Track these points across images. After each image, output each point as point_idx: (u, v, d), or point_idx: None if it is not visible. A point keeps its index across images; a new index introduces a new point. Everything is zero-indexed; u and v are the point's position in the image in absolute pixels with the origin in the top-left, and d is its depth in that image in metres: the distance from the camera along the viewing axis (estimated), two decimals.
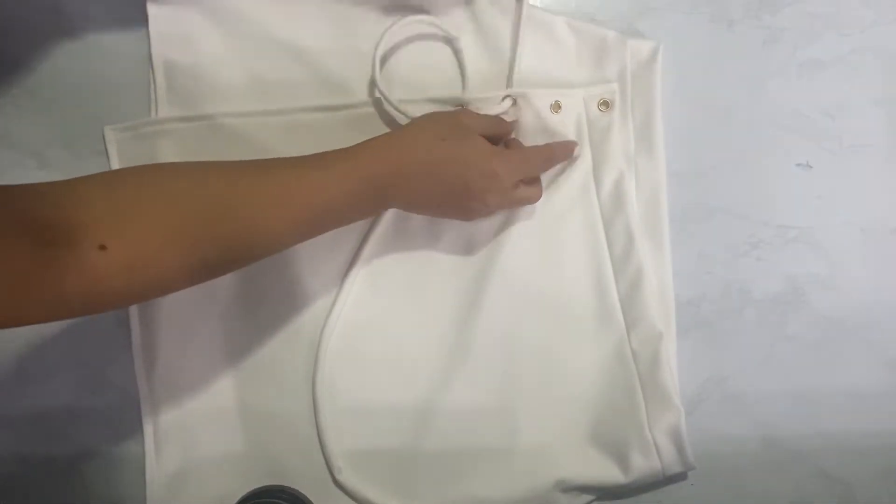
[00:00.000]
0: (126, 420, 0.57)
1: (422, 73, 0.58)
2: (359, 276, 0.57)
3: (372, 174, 0.47)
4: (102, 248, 0.39)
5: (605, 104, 0.57)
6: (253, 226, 0.44)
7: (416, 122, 0.51)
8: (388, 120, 0.57)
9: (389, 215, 0.56)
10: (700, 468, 0.56)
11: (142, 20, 0.57)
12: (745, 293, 0.59)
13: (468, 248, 0.57)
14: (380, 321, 0.57)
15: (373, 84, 0.56)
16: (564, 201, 0.57)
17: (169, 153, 0.57)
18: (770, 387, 0.58)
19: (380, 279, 0.57)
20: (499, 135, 0.55)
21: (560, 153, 0.56)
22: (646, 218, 0.57)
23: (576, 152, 0.56)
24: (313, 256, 0.56)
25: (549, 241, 0.57)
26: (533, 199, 0.54)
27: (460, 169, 0.49)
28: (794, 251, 0.59)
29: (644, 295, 0.56)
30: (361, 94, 0.57)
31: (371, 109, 0.57)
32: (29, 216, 0.38)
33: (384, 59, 0.57)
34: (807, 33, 0.59)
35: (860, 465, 0.58)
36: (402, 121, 0.56)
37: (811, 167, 0.59)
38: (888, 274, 0.59)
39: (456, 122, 0.51)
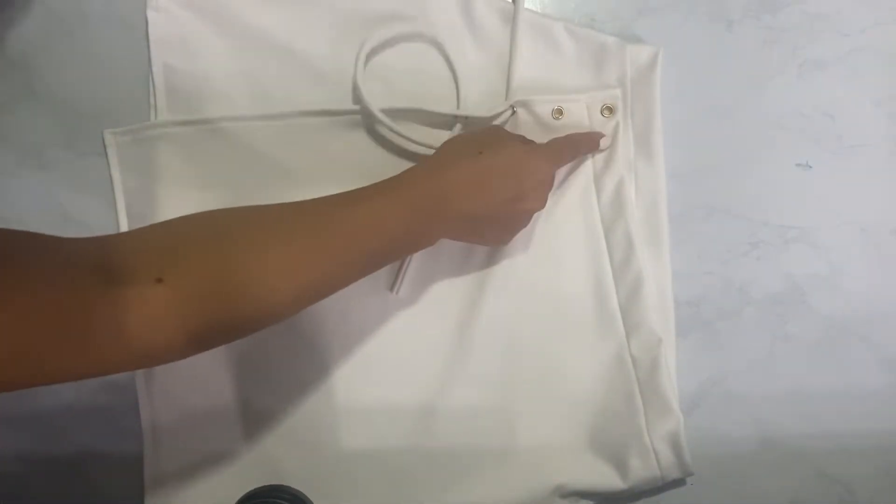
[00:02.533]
0: (126, 420, 0.57)
1: (420, 86, 0.58)
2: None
3: (416, 204, 0.47)
4: (159, 280, 0.39)
5: (609, 110, 0.57)
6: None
7: (451, 142, 0.51)
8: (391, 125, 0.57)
9: None
10: (699, 468, 0.56)
11: (142, 23, 0.57)
12: (745, 293, 0.59)
13: (468, 253, 0.57)
14: (380, 322, 0.57)
15: (374, 91, 0.56)
16: (565, 206, 0.57)
17: (168, 157, 0.57)
18: (770, 387, 0.58)
19: (379, 280, 0.57)
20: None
21: (585, 144, 0.56)
22: (646, 223, 0.57)
23: (603, 144, 0.56)
24: None
25: (549, 247, 0.57)
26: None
27: (505, 175, 0.49)
28: (794, 251, 0.59)
29: (644, 301, 0.56)
30: (363, 101, 0.57)
31: (373, 113, 0.57)
32: (85, 260, 0.39)
33: (383, 74, 0.57)
34: (807, 33, 0.59)
35: (860, 465, 0.58)
36: (388, 133, 0.57)
37: (811, 167, 0.59)
38: (888, 274, 0.59)
39: (493, 130, 0.52)
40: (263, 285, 0.42)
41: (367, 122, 0.57)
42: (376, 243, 0.46)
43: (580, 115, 0.56)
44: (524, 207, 0.51)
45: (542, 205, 0.52)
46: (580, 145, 0.56)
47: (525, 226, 0.53)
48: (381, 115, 0.54)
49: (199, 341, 0.42)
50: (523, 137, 0.53)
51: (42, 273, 0.37)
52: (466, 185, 0.48)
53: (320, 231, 0.44)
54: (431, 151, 0.57)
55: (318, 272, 0.44)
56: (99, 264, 0.39)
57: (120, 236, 0.42)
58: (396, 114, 0.56)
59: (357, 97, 0.56)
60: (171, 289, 0.39)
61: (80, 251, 0.40)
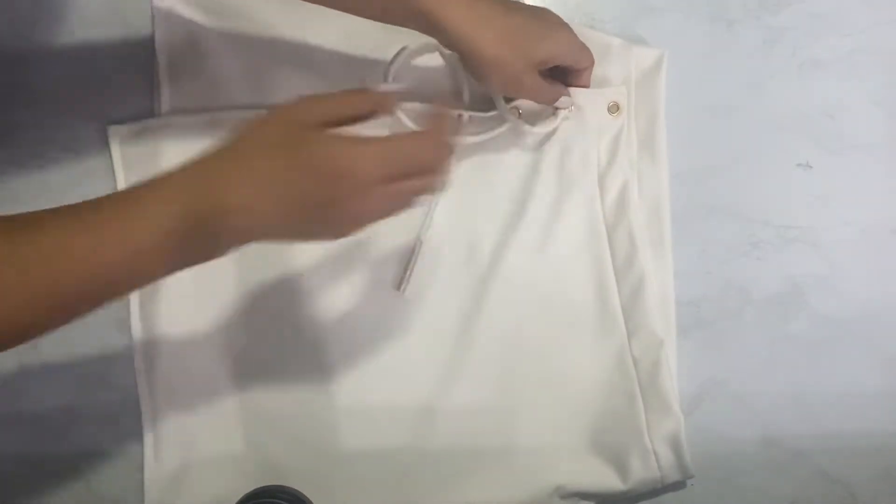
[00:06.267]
0: (126, 420, 0.57)
1: (427, 87, 0.57)
2: (361, 275, 0.57)
3: (188, 212, 0.37)
4: None
5: (616, 107, 0.57)
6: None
7: (245, 129, 0.40)
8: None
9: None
10: (700, 468, 0.56)
11: (144, 20, 0.57)
12: (745, 293, 0.58)
13: (470, 253, 0.57)
14: (381, 322, 0.57)
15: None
16: (569, 207, 0.57)
17: (171, 151, 0.56)
18: (770, 387, 0.58)
19: (381, 280, 0.57)
20: (359, 114, 0.42)
21: (430, 157, 0.42)
22: (648, 224, 0.57)
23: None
24: (313, 255, 0.56)
25: (551, 247, 0.57)
26: (422, 191, 0.42)
27: (301, 177, 0.38)
28: (794, 251, 0.59)
29: (646, 302, 0.56)
30: None
31: None
32: None
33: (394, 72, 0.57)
34: (807, 33, 0.59)
35: (860, 465, 0.58)
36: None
37: (811, 167, 0.59)
38: (888, 274, 0.59)
39: (291, 118, 0.40)
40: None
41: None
42: (125, 265, 0.37)
43: (585, 113, 0.56)
44: (333, 220, 0.40)
45: (362, 220, 0.41)
46: (422, 157, 0.42)
47: (353, 232, 0.41)
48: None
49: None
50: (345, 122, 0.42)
51: None
52: (253, 192, 0.38)
53: (35, 263, 0.36)
54: None
55: (26, 310, 0.36)
56: None
57: None
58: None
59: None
60: None
61: None
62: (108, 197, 0.38)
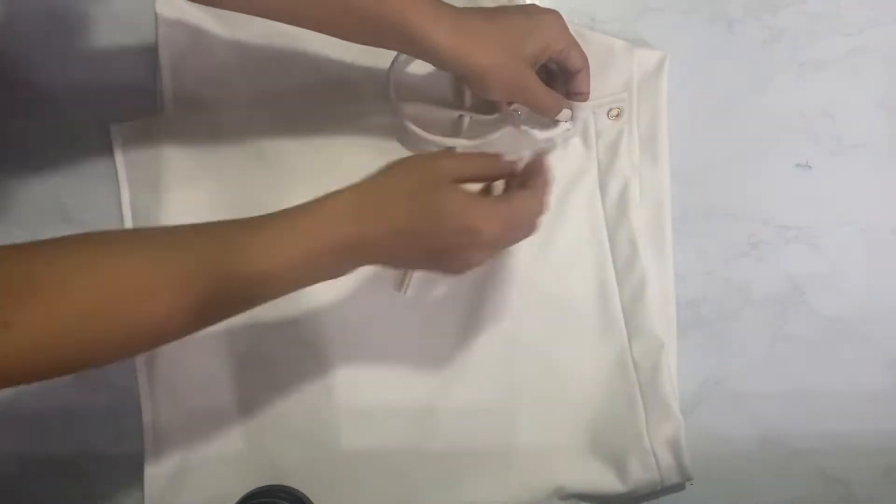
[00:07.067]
0: (126, 420, 0.57)
1: (429, 89, 0.57)
2: (361, 275, 0.57)
3: (334, 240, 0.43)
4: (6, 325, 0.36)
5: (617, 112, 0.57)
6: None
7: (386, 173, 0.45)
8: (395, 123, 0.57)
9: None
10: (699, 468, 0.56)
11: (147, 20, 0.57)
12: (745, 293, 0.59)
13: None
14: (381, 322, 0.57)
15: (379, 88, 0.56)
16: (570, 209, 0.57)
17: (173, 151, 0.57)
18: (770, 387, 0.58)
19: (382, 280, 0.57)
20: (487, 176, 0.50)
21: (545, 193, 0.48)
22: (649, 227, 0.57)
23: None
24: None
25: (552, 249, 0.57)
26: (526, 235, 0.49)
27: (432, 227, 0.44)
28: (794, 251, 0.59)
29: (647, 304, 0.56)
30: (368, 98, 0.57)
31: (378, 111, 0.57)
32: None
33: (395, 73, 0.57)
34: (807, 33, 0.59)
35: (860, 465, 0.58)
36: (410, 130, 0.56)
37: (811, 167, 0.59)
38: (888, 274, 0.59)
39: (430, 171, 0.45)
40: (126, 316, 0.39)
41: (373, 117, 0.57)
42: (272, 276, 0.43)
43: (584, 118, 0.56)
44: (451, 264, 0.46)
45: (476, 265, 0.46)
46: (537, 213, 0.48)
47: (465, 271, 0.47)
48: (413, 127, 0.54)
49: (50, 376, 0.40)
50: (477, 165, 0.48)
51: None
52: (388, 232, 0.43)
53: (207, 258, 0.41)
54: (440, 146, 0.56)
55: (195, 299, 0.40)
56: None
57: None
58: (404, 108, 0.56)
59: (389, 103, 0.56)
60: (18, 331, 0.37)
61: None
62: (264, 217, 0.43)
